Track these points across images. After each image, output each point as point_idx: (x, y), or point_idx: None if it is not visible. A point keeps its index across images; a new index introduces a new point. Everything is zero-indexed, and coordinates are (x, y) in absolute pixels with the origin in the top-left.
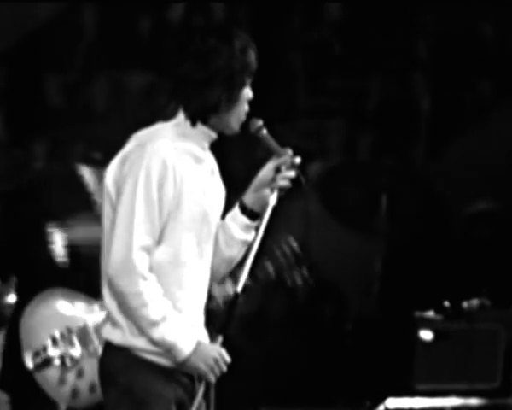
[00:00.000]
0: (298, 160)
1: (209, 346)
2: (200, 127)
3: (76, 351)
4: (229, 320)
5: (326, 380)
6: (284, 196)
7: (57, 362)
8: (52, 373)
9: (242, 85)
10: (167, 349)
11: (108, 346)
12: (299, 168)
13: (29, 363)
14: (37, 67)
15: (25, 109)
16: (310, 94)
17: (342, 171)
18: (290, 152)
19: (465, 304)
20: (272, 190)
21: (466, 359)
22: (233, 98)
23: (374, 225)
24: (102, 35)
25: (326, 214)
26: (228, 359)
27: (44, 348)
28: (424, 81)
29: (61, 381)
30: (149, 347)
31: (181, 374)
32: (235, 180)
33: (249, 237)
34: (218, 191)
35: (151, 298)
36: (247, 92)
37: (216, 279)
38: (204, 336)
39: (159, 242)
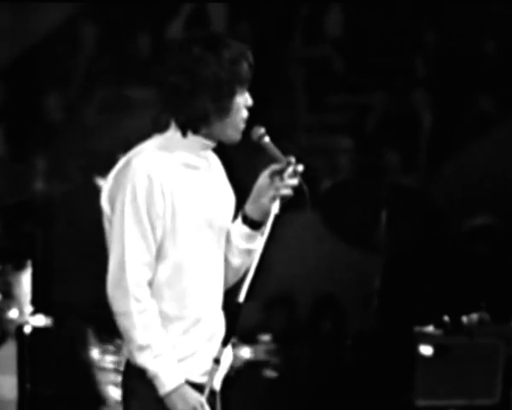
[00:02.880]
0: (301, 168)
1: (194, 393)
2: (192, 137)
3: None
4: (232, 332)
5: (325, 396)
6: (287, 204)
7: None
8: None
9: (232, 95)
10: (150, 378)
11: (128, 362)
12: (302, 177)
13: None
14: (36, 83)
15: (24, 125)
16: (311, 110)
17: (342, 186)
18: (293, 160)
19: (465, 319)
20: (274, 199)
21: (465, 374)
22: (222, 108)
23: (373, 240)
24: (101, 51)
25: (325, 229)
26: None
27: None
28: (425, 97)
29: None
30: None
31: (198, 389)
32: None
33: (252, 246)
34: (223, 197)
35: (140, 321)
36: (245, 99)
37: (224, 288)
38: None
39: (163, 256)
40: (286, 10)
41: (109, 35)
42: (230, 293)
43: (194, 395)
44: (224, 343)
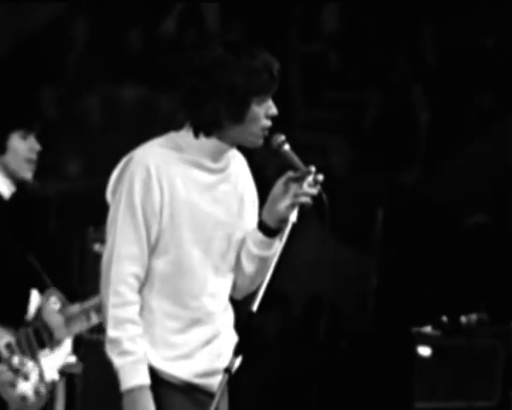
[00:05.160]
0: (321, 177)
1: (147, 401)
2: (204, 139)
3: (25, 357)
4: (244, 342)
5: (321, 398)
6: (306, 213)
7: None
8: (6, 377)
9: (246, 104)
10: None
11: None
12: (322, 186)
13: None
14: (28, 80)
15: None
16: (307, 107)
17: (338, 185)
18: (313, 169)
19: (463, 319)
20: (293, 207)
21: (464, 375)
22: (235, 116)
23: (370, 240)
24: (94, 48)
25: (321, 228)
26: None
27: None
28: (423, 94)
29: (12, 385)
30: (165, 368)
31: (199, 392)
32: None
33: (266, 253)
34: (233, 200)
35: (114, 315)
36: (266, 109)
37: (239, 296)
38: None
39: (162, 251)
40: (281, 6)
41: (102, 32)
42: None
43: (145, 404)
44: (236, 353)
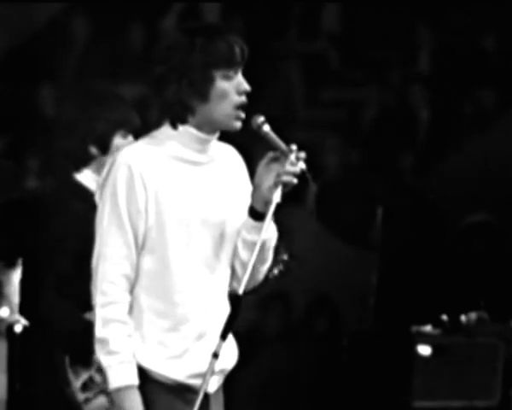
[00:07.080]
0: (303, 155)
1: (136, 402)
2: (182, 128)
3: None
4: (230, 325)
5: (321, 397)
6: (290, 192)
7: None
8: (101, 401)
9: (208, 79)
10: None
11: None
12: (306, 164)
13: (80, 396)
14: (27, 79)
15: (15, 121)
16: (307, 106)
17: (338, 183)
18: (295, 147)
19: (463, 318)
20: (276, 186)
21: (464, 374)
22: (199, 94)
23: (369, 238)
24: (94, 47)
25: (321, 227)
26: None
27: (91, 379)
28: (423, 93)
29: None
30: (156, 368)
31: (191, 393)
32: None
33: (257, 238)
34: (222, 193)
35: (101, 315)
36: (236, 84)
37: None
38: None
39: (150, 250)
40: (281, 6)
41: (102, 31)
42: None
43: (132, 403)
44: (223, 337)
